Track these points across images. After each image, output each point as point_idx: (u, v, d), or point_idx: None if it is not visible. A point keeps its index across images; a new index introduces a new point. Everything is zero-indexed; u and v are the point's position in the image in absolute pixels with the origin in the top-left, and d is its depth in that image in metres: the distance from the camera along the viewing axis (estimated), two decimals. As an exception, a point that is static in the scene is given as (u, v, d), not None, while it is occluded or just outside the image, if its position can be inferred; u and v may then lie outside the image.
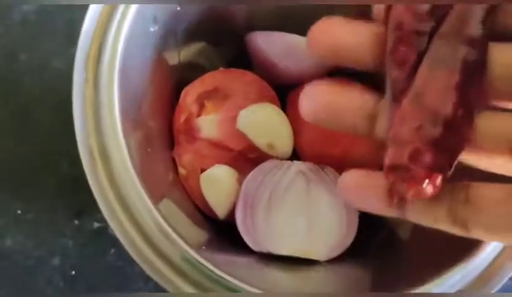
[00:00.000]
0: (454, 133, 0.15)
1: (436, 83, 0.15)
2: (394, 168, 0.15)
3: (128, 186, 0.24)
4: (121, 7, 0.26)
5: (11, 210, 0.42)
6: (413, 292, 0.26)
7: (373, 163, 0.35)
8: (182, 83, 0.36)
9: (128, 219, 0.24)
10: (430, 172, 0.15)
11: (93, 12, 0.26)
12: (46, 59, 0.46)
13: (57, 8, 0.46)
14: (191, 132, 0.34)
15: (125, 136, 0.25)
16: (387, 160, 0.15)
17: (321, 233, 0.32)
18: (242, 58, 0.38)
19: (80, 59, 0.25)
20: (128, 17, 0.25)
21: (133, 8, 0.26)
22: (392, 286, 0.27)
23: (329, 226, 0.33)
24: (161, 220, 0.24)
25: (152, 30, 0.28)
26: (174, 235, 0.25)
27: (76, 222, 0.42)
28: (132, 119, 0.28)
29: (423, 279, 0.26)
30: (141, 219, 0.24)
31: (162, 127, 0.34)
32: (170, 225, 0.25)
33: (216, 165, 0.34)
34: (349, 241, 0.33)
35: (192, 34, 0.34)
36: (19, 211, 0.43)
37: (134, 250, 0.24)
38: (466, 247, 0.27)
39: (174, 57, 0.34)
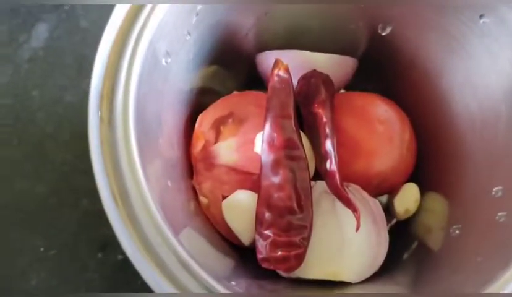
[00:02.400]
0: None
1: None
2: None
3: (148, 223, 0.24)
4: (131, 43, 0.25)
5: (34, 248, 0.42)
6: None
7: (396, 174, 0.35)
8: (197, 109, 0.36)
9: (148, 254, 0.24)
10: None
11: (103, 49, 0.25)
12: (58, 94, 0.46)
13: (66, 43, 0.47)
14: (209, 160, 0.34)
15: (144, 172, 0.24)
16: None
17: (352, 254, 0.31)
18: (255, 79, 0.37)
19: (93, 97, 0.25)
20: (139, 53, 0.25)
21: (145, 43, 0.25)
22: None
23: (359, 246, 0.31)
24: (182, 253, 0.23)
25: (165, 63, 0.28)
26: (195, 266, 0.24)
27: (100, 255, 0.42)
28: (150, 153, 0.27)
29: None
30: (163, 254, 0.23)
31: (181, 156, 0.34)
32: (192, 257, 0.24)
33: (238, 191, 0.33)
34: (380, 260, 0.32)
35: (204, 59, 0.34)
36: (42, 249, 0.42)
37: (155, 285, 0.23)
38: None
39: (187, 84, 0.33)
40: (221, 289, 0.24)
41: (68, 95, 0.46)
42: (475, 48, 0.30)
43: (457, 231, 0.31)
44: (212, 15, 0.31)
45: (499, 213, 0.28)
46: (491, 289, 0.24)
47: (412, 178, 0.37)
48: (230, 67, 0.38)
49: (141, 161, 0.25)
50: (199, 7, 0.28)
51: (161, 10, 0.26)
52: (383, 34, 0.35)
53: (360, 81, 0.39)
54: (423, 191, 0.36)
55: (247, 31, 0.36)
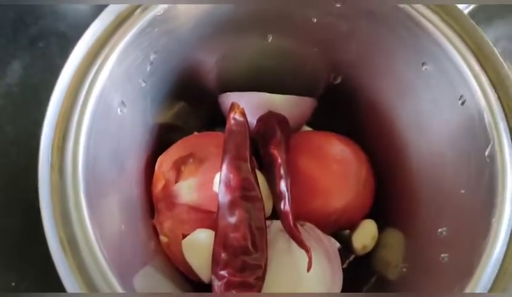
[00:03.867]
0: None
1: None
2: None
3: (95, 270, 0.24)
4: (83, 94, 0.26)
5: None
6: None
7: (353, 211, 0.36)
8: (161, 146, 0.37)
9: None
10: None
11: (56, 97, 0.26)
12: (31, 129, 0.47)
13: (40, 80, 0.48)
14: (170, 199, 0.34)
15: (93, 218, 0.25)
16: None
17: (306, 290, 0.32)
18: (221, 118, 0.38)
19: (44, 145, 0.26)
20: (90, 104, 0.26)
21: (96, 94, 0.26)
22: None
23: (314, 284, 0.32)
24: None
25: (120, 112, 0.29)
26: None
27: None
28: (103, 198, 0.28)
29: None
30: None
31: (141, 196, 0.35)
32: None
33: (197, 230, 0.34)
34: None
35: (164, 101, 0.35)
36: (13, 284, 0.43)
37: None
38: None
39: (146, 128, 0.34)
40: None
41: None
42: (421, 93, 0.31)
43: (404, 269, 0.32)
44: (167, 61, 0.32)
45: (442, 254, 0.28)
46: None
47: (371, 214, 0.38)
48: (195, 106, 0.39)
49: (90, 207, 0.25)
50: (152, 56, 0.29)
51: (112, 61, 0.27)
52: (335, 82, 0.37)
53: (323, 119, 0.40)
54: (382, 227, 0.37)
55: (207, 73, 0.37)
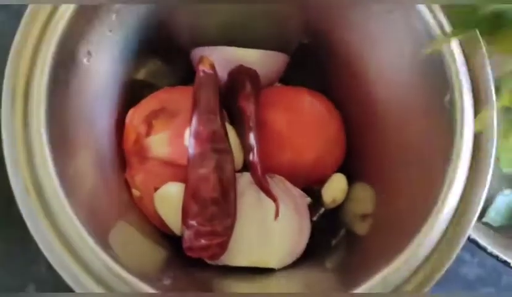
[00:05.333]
0: None
1: None
2: None
3: (72, 232, 0.25)
4: (45, 40, 0.26)
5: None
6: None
7: (323, 166, 0.36)
8: (133, 103, 0.37)
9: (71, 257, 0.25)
10: None
11: (17, 43, 0.26)
12: None
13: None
14: (141, 153, 0.35)
15: (60, 170, 0.26)
16: None
17: (274, 242, 0.33)
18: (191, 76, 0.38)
19: (6, 97, 0.26)
20: (51, 50, 0.26)
21: (57, 41, 0.26)
22: (355, 279, 0.28)
23: (281, 235, 0.33)
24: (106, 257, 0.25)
25: (87, 62, 0.29)
26: (120, 270, 0.25)
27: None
28: (71, 150, 0.28)
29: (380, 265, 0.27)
30: (86, 258, 0.25)
31: (113, 150, 0.35)
32: (117, 260, 0.25)
33: (169, 183, 0.34)
34: (301, 247, 0.34)
35: (133, 54, 0.35)
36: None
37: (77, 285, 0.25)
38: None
39: (115, 80, 0.34)
40: (148, 289, 0.25)
41: None
42: (388, 44, 0.32)
43: (371, 222, 0.33)
44: (135, 13, 0.32)
45: (406, 205, 0.29)
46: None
47: (342, 169, 0.38)
48: (167, 62, 0.39)
49: (58, 162, 0.26)
50: (117, 5, 0.29)
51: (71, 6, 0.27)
52: (307, 39, 0.37)
53: (295, 75, 0.41)
54: (351, 181, 0.38)
55: (179, 29, 0.37)
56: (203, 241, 0.31)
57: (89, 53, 0.29)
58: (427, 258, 0.27)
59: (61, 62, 0.26)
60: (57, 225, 0.25)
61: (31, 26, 0.26)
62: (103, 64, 0.31)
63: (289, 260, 0.34)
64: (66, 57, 0.27)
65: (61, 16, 0.26)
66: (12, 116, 0.25)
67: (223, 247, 0.32)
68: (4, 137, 0.25)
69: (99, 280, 0.25)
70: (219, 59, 0.35)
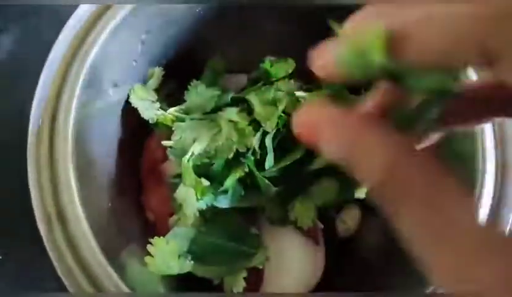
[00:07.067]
0: None
1: None
2: None
3: (86, 250, 0.25)
4: (75, 68, 0.26)
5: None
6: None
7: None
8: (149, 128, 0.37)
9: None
10: None
11: (47, 73, 0.26)
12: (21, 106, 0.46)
13: (30, 56, 0.47)
14: (157, 177, 0.35)
15: (81, 194, 0.26)
16: None
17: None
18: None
19: (34, 122, 0.26)
20: (81, 78, 0.26)
21: (87, 70, 0.26)
22: None
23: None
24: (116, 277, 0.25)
25: (111, 92, 0.29)
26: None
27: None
28: (92, 174, 0.28)
29: None
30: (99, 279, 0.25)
31: (130, 173, 0.35)
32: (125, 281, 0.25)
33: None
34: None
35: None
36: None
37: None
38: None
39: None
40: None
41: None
42: None
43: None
44: (159, 42, 0.32)
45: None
46: None
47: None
48: (185, 87, 0.39)
49: (80, 182, 0.26)
50: (143, 36, 0.30)
51: (103, 37, 0.27)
52: None
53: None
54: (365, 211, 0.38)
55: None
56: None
57: (114, 83, 0.29)
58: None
59: (89, 89, 0.27)
60: (78, 251, 0.25)
61: (62, 53, 0.26)
62: (125, 94, 0.31)
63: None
64: (94, 85, 0.27)
65: (93, 43, 0.26)
66: (38, 145, 0.25)
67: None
68: (29, 163, 0.25)
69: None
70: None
